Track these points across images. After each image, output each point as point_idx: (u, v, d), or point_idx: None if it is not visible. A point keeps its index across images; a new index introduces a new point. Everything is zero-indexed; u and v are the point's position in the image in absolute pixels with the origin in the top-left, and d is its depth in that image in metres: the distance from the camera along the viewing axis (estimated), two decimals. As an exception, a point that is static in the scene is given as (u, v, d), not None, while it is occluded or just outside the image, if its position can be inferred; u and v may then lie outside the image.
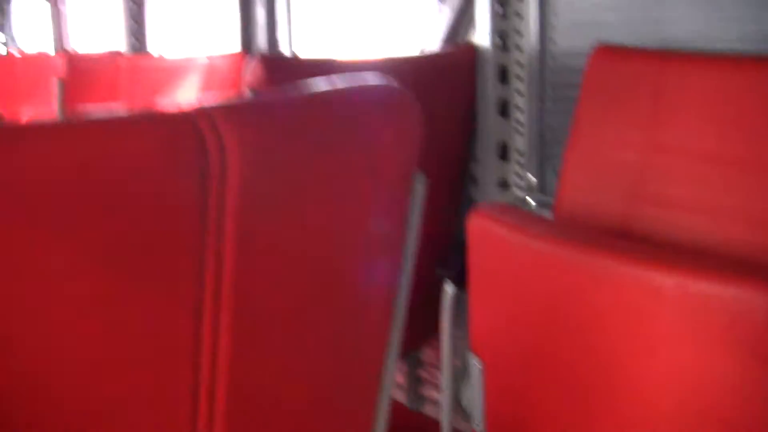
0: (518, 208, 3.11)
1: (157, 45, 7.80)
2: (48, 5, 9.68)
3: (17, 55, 9.61)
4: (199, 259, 1.49)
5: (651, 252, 2.42)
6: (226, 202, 1.48)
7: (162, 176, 1.34)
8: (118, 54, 7.96)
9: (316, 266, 1.82)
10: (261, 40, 6.23)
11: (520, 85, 4.31)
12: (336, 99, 1.83)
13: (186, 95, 5.91)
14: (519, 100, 4.32)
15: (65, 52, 5.70)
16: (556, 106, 4.25)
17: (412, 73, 4.12)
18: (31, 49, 10.76)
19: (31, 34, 10.94)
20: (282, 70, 3.65)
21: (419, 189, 2.08)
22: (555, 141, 4.22)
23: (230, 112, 1.50)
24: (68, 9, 9.42)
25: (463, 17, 4.38)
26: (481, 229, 2.85)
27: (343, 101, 1.84)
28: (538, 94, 4.28)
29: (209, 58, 6.00)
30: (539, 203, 4.25)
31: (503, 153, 4.37)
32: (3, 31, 11.37)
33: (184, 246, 1.45)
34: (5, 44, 11.47)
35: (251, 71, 3.63)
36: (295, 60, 3.80)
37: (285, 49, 6.12)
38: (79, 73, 5.74)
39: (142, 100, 5.74)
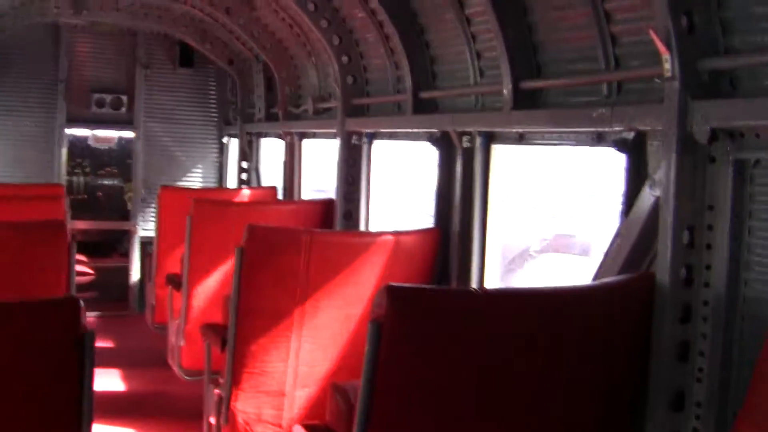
0: None
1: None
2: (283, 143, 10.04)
3: (246, 191, 9.98)
4: None
5: None
6: None
7: None
8: (328, 201, 8.03)
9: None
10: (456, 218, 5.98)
11: (705, 328, 3.70)
12: None
13: (368, 273, 5.72)
14: (702, 345, 3.71)
15: (252, 226, 5.65)
16: (745, 357, 3.59)
17: (582, 303, 3.65)
18: (269, 182, 11.20)
19: (271, 170, 11.43)
20: (410, 301, 3.33)
21: None
22: (740, 397, 3.56)
23: None
24: (304, 150, 9.68)
25: (645, 242, 3.87)
26: None
27: None
28: (724, 341, 3.65)
29: (395, 234, 5.79)
30: (714, 472, 3.59)
31: (678, 403, 3.75)
32: (249, 161, 11.94)
33: None
34: (247, 171, 12.02)
35: (377, 302, 3.34)
36: (426, 291, 3.46)
37: (478, 230, 5.81)
38: (262, 242, 5.73)
39: (319, 277, 5.62)
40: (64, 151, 12.25)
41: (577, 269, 10.78)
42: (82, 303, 3.03)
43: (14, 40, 11.62)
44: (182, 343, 7.97)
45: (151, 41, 12.42)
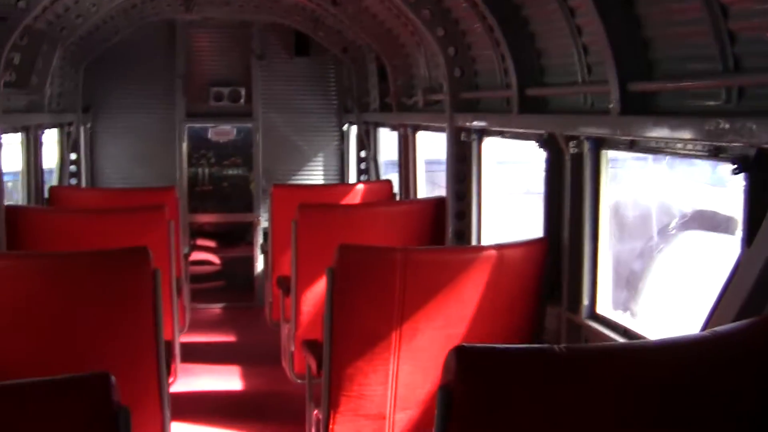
0: None
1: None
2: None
3: (360, 187, 9.67)
4: None
5: None
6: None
7: None
8: (440, 200, 7.64)
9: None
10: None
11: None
12: None
13: (470, 291, 5.31)
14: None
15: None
16: None
17: (689, 358, 3.12)
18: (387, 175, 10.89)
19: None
20: (483, 365, 2.91)
21: None
22: None
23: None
24: (418, 142, 9.30)
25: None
26: None
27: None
28: None
29: (499, 247, 5.35)
30: None
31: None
32: (367, 151, 11.65)
33: None
34: (365, 161, 11.73)
35: (447, 366, 2.94)
36: (502, 352, 3.02)
37: (589, 242, 5.31)
38: (353, 263, 5.39)
39: (417, 297, 5.26)
40: (185, 146, 12.26)
41: (719, 249, 9.98)
42: (113, 379, 2.75)
43: (131, 40, 11.68)
44: (293, 348, 7.77)
45: (266, 32, 12.23)
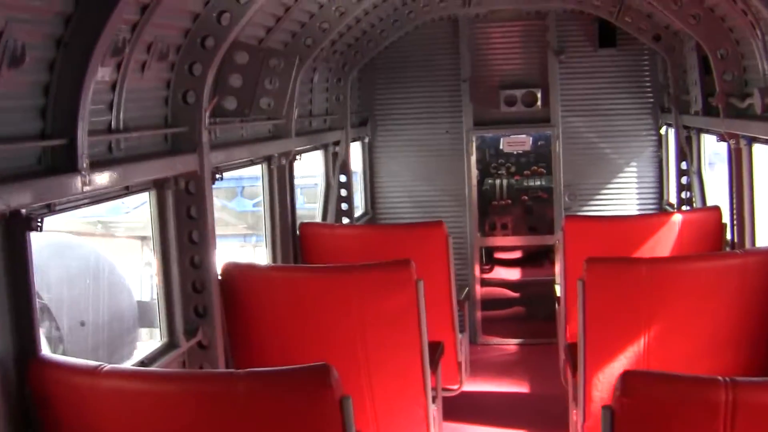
0: None
1: None
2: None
3: (677, 218, 7.55)
4: None
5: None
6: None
7: None
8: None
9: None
10: None
11: None
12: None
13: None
14: None
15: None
16: None
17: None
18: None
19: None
20: None
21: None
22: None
23: None
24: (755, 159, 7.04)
25: None
26: None
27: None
28: None
29: None
30: None
31: None
32: (689, 162, 9.40)
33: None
34: (687, 174, 9.48)
35: None
36: None
37: None
38: (647, 399, 3.48)
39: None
40: (473, 159, 10.70)
41: None
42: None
43: (407, 42, 10.49)
44: (581, 424, 5.92)
45: (563, 22, 10.40)
